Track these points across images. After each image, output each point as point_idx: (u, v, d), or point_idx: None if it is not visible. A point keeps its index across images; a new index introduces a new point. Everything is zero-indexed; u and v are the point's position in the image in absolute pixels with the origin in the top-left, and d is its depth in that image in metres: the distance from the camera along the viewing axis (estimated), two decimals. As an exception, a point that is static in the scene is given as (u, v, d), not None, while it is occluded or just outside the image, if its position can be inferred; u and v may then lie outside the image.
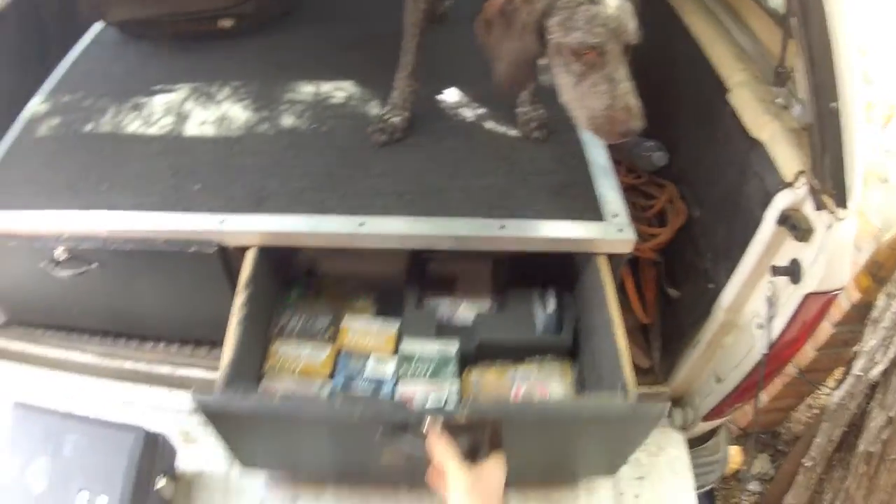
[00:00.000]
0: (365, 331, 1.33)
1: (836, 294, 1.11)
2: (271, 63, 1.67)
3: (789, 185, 1.09)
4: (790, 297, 1.13)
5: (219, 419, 1.05)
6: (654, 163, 1.59)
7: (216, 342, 1.48)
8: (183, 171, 1.35)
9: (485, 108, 1.45)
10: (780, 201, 1.11)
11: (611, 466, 1.27)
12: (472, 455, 0.89)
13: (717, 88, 1.34)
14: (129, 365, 1.47)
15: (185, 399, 1.44)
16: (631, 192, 1.55)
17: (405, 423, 0.97)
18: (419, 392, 1.22)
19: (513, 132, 1.40)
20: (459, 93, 1.49)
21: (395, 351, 1.29)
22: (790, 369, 1.82)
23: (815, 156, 1.01)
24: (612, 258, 1.26)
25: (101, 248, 1.30)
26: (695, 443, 1.53)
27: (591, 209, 1.28)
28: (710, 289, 1.36)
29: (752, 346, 1.24)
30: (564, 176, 1.35)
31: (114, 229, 1.28)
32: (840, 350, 1.75)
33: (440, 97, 1.49)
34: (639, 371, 1.46)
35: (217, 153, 1.40)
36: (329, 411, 1.06)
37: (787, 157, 1.12)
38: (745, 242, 1.21)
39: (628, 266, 1.48)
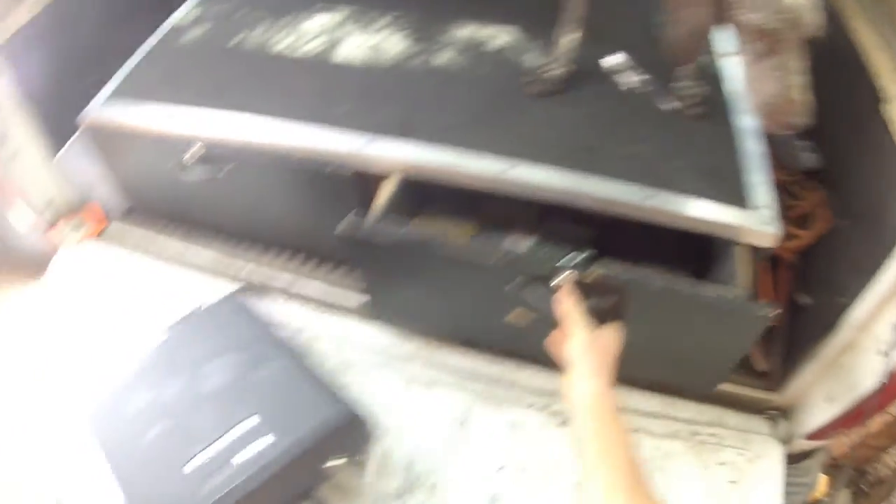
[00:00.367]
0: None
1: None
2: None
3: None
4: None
5: (365, 249, 1.17)
6: (802, 163, 1.50)
7: (339, 262, 1.54)
8: (330, 93, 1.35)
9: (645, 75, 1.39)
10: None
11: (710, 380, 1.30)
12: (595, 319, 0.93)
13: (872, 98, 1.26)
14: (246, 271, 1.49)
15: (297, 312, 1.49)
16: (777, 189, 1.48)
17: (540, 273, 1.04)
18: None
19: (670, 105, 1.34)
20: (621, 56, 1.43)
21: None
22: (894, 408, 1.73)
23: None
24: (753, 250, 1.21)
25: (234, 155, 1.31)
26: (789, 460, 1.47)
27: (738, 196, 1.22)
28: (840, 303, 1.29)
29: (870, 371, 1.18)
30: (715, 158, 1.29)
31: (251, 139, 1.29)
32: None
33: (601, 57, 1.44)
34: (754, 374, 1.41)
35: (367, 80, 1.39)
36: (471, 250, 1.14)
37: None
38: (884, 261, 1.15)
39: (765, 264, 1.42)
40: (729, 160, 1.29)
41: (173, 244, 1.61)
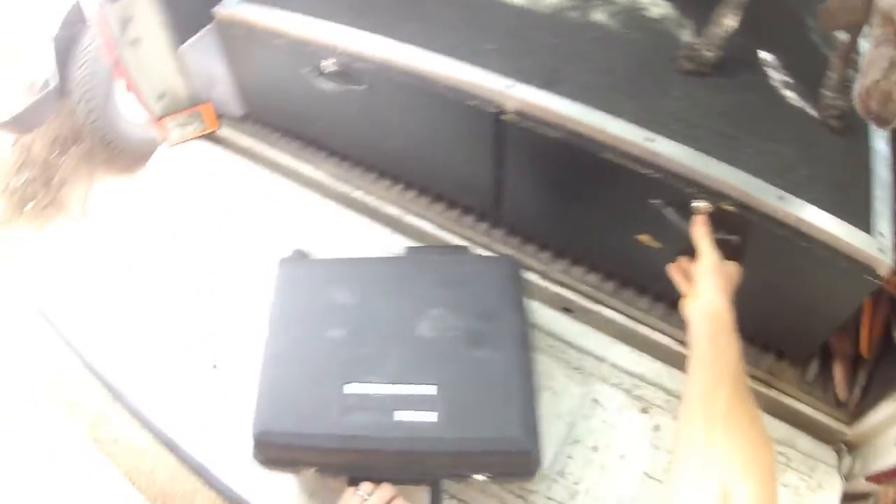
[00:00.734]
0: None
1: None
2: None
3: None
4: None
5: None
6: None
7: (454, 203, 1.53)
8: (479, 28, 1.35)
9: (794, 78, 1.38)
10: None
11: (803, 342, 1.35)
12: (720, 252, 1.04)
13: None
14: (358, 195, 1.49)
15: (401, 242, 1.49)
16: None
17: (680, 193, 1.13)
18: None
19: (812, 111, 1.32)
20: (773, 54, 1.42)
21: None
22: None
23: None
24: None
25: (375, 72, 1.30)
26: (844, 498, 1.45)
27: (861, 218, 1.20)
28: (932, 347, 1.27)
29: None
30: (847, 175, 1.28)
31: (394, 58, 1.29)
32: None
33: (752, 49, 1.43)
34: (833, 401, 1.39)
35: (519, 22, 1.38)
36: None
37: None
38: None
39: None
40: (859, 180, 1.28)
41: (284, 157, 1.61)
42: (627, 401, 1.32)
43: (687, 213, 1.13)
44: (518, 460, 1.04)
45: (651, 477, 1.25)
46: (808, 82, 1.37)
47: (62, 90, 2.58)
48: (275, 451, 1.07)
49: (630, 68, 1.32)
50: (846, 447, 1.38)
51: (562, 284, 1.44)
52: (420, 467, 1.07)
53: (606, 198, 1.29)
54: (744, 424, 0.78)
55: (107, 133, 2.73)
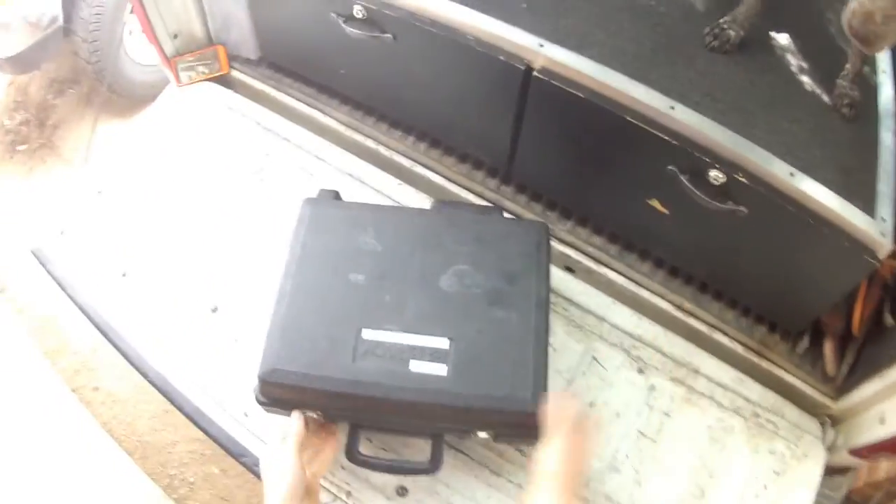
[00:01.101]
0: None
1: None
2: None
3: None
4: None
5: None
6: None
7: (465, 157, 1.54)
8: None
9: (809, 65, 1.42)
10: None
11: (797, 317, 1.40)
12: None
13: None
14: (370, 143, 1.49)
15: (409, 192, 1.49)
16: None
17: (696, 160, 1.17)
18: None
19: (825, 98, 1.37)
20: (793, 39, 1.46)
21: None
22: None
23: None
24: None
25: (405, 20, 1.31)
26: (826, 471, 1.51)
27: (867, 202, 1.25)
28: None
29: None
30: (855, 159, 1.32)
31: (425, 8, 1.29)
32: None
33: (775, 35, 1.46)
34: (821, 376, 1.44)
35: (551, -15, 1.38)
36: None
37: None
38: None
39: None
40: (867, 167, 1.32)
41: (296, 102, 1.60)
42: (626, 360, 1.36)
43: (701, 181, 1.16)
44: (525, 422, 1.04)
45: (645, 435, 1.29)
46: (823, 70, 1.41)
47: (67, 29, 2.51)
48: (281, 392, 1.06)
49: (657, 40, 1.35)
50: (830, 420, 1.44)
51: (567, 244, 1.47)
52: (425, 419, 1.08)
53: (622, 160, 1.33)
54: None
55: (110, 74, 2.67)
